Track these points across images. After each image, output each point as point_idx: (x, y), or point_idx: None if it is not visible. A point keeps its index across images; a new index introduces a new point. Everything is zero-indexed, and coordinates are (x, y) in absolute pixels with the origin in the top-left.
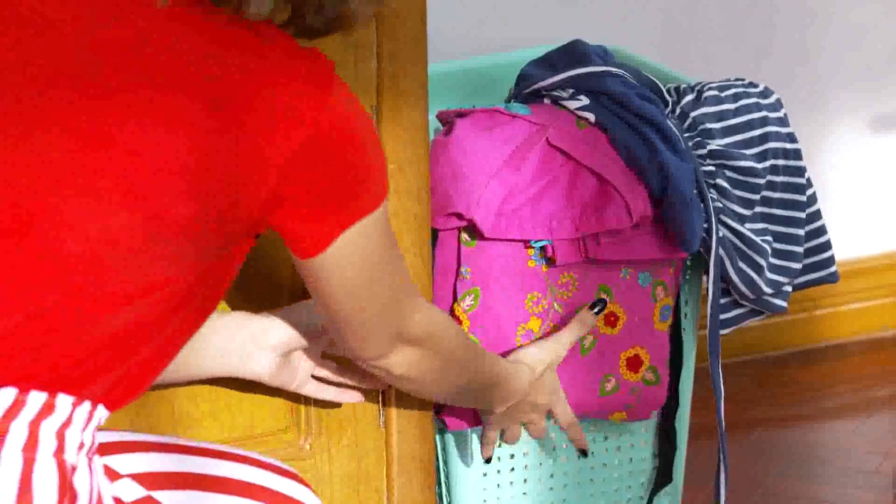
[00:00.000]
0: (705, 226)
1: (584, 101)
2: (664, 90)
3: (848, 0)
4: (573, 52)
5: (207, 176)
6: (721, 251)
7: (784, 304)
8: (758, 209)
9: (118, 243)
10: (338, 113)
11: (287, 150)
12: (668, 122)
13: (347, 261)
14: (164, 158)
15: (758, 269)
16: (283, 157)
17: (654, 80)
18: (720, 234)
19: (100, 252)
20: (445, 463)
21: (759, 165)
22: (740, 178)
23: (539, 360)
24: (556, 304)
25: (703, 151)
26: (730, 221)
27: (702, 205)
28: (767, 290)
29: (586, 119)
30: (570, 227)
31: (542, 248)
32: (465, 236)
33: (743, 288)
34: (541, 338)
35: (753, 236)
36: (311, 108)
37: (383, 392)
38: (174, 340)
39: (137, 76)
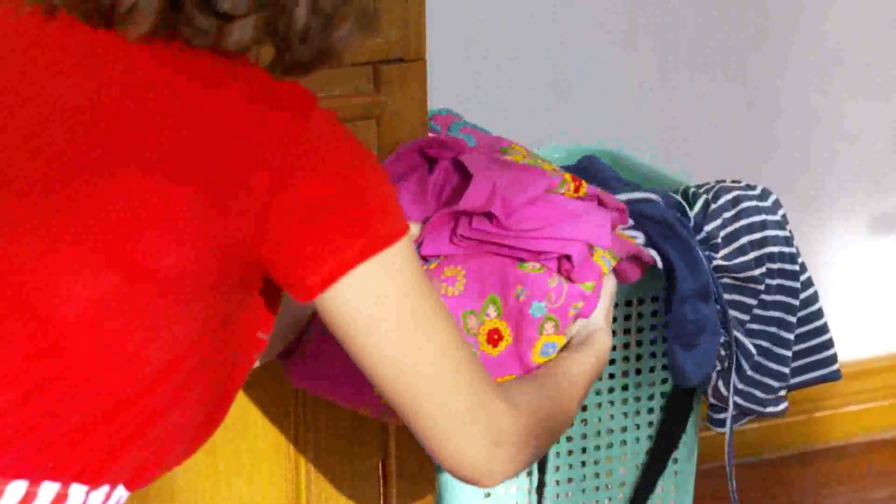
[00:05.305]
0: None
1: (639, 234)
2: (680, 200)
3: (846, 101)
4: (590, 172)
5: (187, 223)
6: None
7: (777, 408)
8: (755, 311)
9: (112, 305)
10: (314, 141)
11: (262, 180)
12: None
13: (362, 314)
14: (141, 213)
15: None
16: (259, 187)
17: (678, 199)
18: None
19: (96, 318)
20: None
21: (757, 272)
22: (741, 284)
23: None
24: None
25: (711, 264)
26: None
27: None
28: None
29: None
30: (418, 211)
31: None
32: None
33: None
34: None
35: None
36: (285, 136)
37: (384, 471)
38: (195, 415)
39: (104, 139)
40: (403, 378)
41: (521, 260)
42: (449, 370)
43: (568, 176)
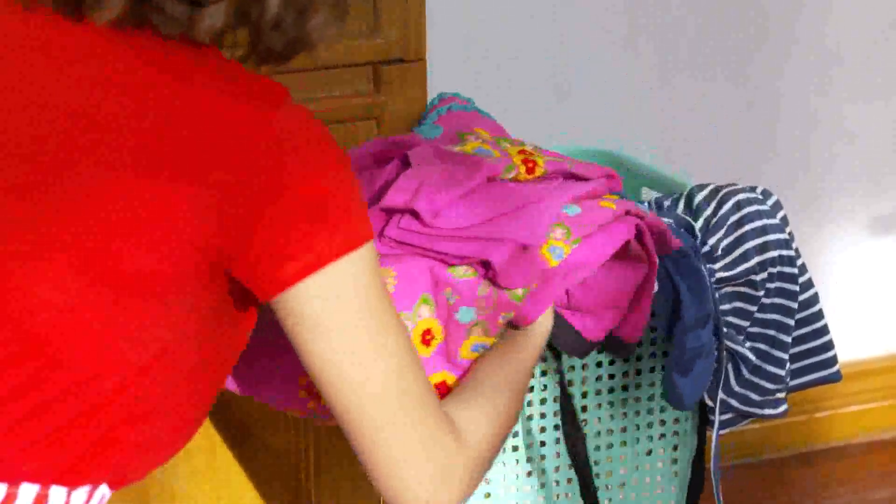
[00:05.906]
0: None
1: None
2: (690, 221)
3: (846, 101)
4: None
5: (170, 222)
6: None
7: (776, 411)
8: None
9: (94, 307)
10: (281, 134)
11: (227, 173)
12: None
13: (318, 316)
14: (121, 215)
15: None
16: (224, 181)
17: (689, 220)
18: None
19: (78, 320)
20: None
21: (759, 277)
22: (742, 291)
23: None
24: None
25: (713, 278)
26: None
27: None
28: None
29: None
30: None
31: None
32: None
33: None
34: None
35: (748, 354)
36: (251, 127)
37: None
38: (181, 416)
39: (77, 138)
40: (350, 391)
41: (450, 263)
42: (398, 392)
43: (517, 159)
